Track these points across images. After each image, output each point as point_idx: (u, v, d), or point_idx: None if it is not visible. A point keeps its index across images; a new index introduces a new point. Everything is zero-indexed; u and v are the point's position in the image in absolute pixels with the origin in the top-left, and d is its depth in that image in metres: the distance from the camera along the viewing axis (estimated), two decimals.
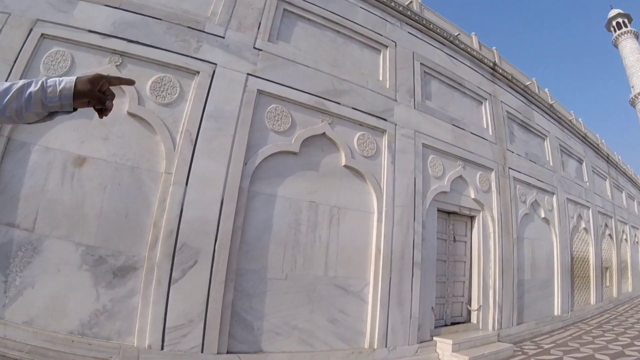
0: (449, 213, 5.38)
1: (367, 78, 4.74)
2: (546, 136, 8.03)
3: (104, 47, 3.23)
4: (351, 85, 4.49)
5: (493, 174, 6.04)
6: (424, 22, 5.65)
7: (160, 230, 3.12)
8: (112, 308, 2.96)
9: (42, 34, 3.08)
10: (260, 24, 3.96)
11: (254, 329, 3.45)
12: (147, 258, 3.06)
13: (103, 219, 3.04)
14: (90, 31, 3.20)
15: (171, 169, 3.25)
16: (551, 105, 8.56)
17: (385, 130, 4.64)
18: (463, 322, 5.28)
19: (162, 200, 3.17)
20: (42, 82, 0.81)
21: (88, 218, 3.00)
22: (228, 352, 3.25)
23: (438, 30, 5.84)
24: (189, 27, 3.57)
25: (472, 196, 5.57)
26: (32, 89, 0.80)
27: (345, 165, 4.22)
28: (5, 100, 0.79)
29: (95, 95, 0.83)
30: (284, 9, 4.25)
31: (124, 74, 3.27)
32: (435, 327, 4.81)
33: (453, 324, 5.17)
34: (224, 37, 3.72)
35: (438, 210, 5.11)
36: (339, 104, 4.30)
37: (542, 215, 7.10)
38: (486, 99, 6.53)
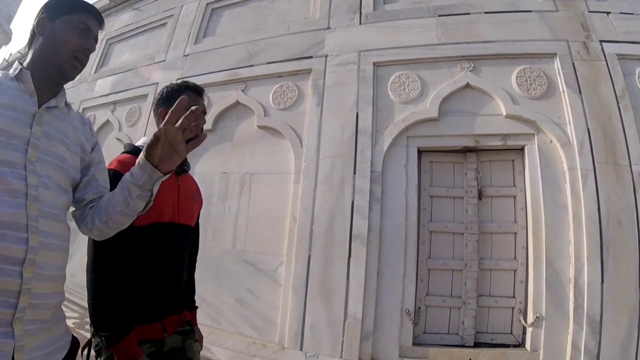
0: (464, 152, 3.02)
1: (290, 23, 4.00)
2: None
3: None
4: (268, 41, 3.99)
5: (557, 62, 2.88)
6: None
7: None
8: None
9: None
10: (190, 34, 4.62)
11: None
12: None
13: None
14: None
15: None
16: None
17: (311, 69, 3.63)
18: (509, 346, 2.63)
19: None
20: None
21: None
22: None
23: None
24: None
25: (504, 113, 2.88)
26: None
27: (258, 126, 3.73)
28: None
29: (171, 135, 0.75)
30: (212, 9, 4.64)
31: None
32: (418, 345, 2.75)
33: (481, 345, 2.67)
34: (165, 60, 4.69)
35: (420, 151, 3.06)
36: (252, 66, 3.96)
37: None
38: None
